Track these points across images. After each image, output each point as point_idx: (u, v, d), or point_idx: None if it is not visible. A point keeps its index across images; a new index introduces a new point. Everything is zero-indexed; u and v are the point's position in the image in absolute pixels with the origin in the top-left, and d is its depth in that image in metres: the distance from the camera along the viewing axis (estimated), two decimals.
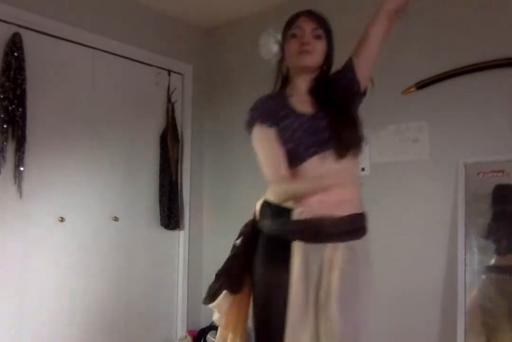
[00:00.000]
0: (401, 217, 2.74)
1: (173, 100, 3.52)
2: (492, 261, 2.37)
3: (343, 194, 1.40)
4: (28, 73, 2.67)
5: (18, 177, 2.61)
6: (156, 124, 3.43)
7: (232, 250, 1.59)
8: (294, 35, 1.55)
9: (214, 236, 3.57)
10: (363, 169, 2.90)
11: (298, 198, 1.39)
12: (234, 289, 1.52)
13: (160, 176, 3.39)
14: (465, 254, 2.46)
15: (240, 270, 1.51)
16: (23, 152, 2.61)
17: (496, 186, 2.42)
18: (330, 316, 1.28)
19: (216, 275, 1.58)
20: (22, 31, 2.68)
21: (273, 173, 1.42)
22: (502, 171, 2.43)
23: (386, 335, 2.70)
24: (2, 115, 2.54)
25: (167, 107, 3.49)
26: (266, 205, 1.50)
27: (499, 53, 2.46)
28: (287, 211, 1.39)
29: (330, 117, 1.44)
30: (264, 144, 1.45)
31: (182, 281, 3.49)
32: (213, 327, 3.15)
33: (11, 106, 2.56)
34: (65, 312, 2.81)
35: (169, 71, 3.54)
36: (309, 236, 1.36)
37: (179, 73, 3.61)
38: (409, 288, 2.64)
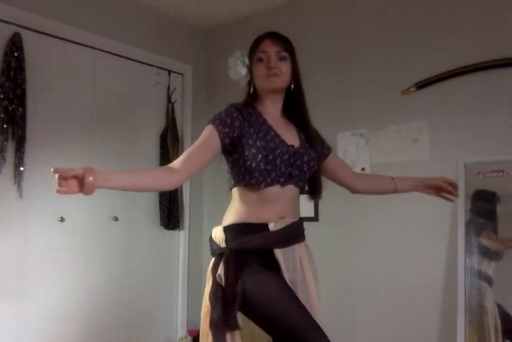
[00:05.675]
0: (401, 217, 2.75)
1: (173, 100, 3.52)
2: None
3: (286, 207, 1.65)
4: (28, 73, 2.67)
5: (18, 176, 2.61)
6: (156, 124, 3.43)
7: (215, 288, 1.53)
8: (260, 59, 1.63)
9: None
10: (363, 169, 2.90)
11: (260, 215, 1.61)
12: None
13: None
14: (465, 254, 2.46)
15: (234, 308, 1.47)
16: (23, 152, 2.61)
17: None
18: (310, 297, 1.58)
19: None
20: (22, 31, 2.69)
21: (174, 161, 1.53)
22: (502, 171, 2.44)
23: (387, 335, 2.71)
24: (2, 115, 2.54)
25: (167, 107, 3.49)
26: (234, 226, 1.62)
27: (499, 53, 2.46)
28: (264, 225, 1.57)
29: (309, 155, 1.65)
30: (199, 139, 1.57)
31: (182, 281, 3.49)
32: None
33: (11, 106, 2.56)
34: (65, 312, 2.81)
35: (169, 71, 3.54)
36: (286, 241, 1.58)
37: (179, 73, 3.61)
38: (409, 288, 2.64)
